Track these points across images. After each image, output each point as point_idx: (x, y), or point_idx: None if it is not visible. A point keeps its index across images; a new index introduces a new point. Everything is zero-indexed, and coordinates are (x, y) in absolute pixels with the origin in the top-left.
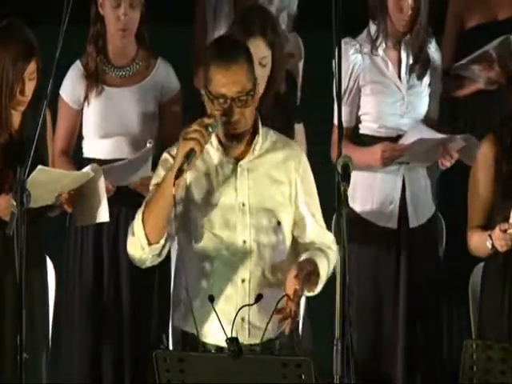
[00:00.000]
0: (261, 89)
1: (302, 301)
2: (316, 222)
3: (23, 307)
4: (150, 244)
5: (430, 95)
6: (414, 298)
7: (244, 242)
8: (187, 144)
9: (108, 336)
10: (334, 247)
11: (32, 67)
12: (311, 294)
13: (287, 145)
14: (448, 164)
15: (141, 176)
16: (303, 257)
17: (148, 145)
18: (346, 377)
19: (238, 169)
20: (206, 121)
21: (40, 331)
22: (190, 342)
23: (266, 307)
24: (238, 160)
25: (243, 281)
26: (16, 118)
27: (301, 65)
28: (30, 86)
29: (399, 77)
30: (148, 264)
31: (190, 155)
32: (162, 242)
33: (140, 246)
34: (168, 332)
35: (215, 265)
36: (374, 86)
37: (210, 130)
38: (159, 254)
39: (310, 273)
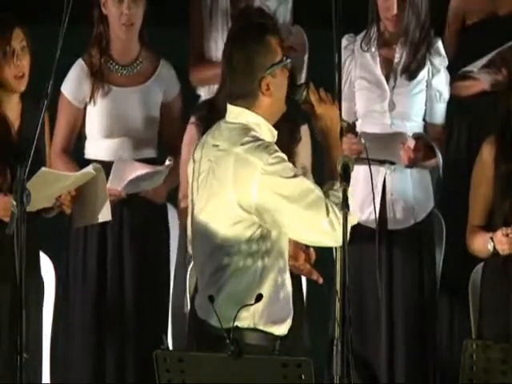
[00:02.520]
0: None
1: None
2: None
3: (23, 307)
4: None
5: (431, 98)
6: (397, 300)
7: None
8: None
9: (111, 336)
10: None
11: (18, 34)
12: None
13: None
14: (406, 162)
15: (152, 186)
16: None
17: (167, 162)
18: (345, 377)
19: None
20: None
21: (33, 331)
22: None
23: None
24: None
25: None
26: (15, 119)
27: (305, 58)
28: (26, 58)
29: (388, 74)
30: None
31: None
32: None
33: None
34: (167, 332)
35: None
36: (361, 81)
37: None
38: None
39: None
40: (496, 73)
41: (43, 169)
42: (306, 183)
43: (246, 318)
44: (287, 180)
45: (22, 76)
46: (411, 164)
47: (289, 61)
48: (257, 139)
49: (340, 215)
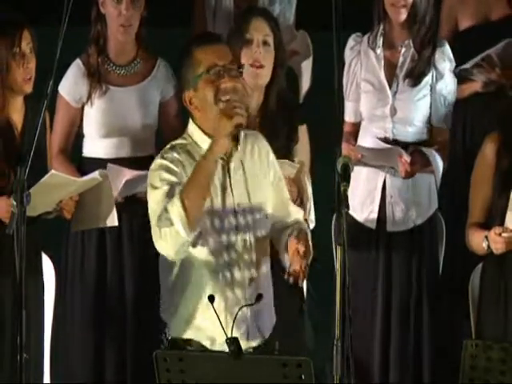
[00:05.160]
0: (268, 71)
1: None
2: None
3: (23, 307)
4: (189, 228)
5: (436, 102)
6: (395, 301)
7: (244, 241)
8: (237, 118)
9: (111, 336)
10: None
11: (26, 36)
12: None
13: (250, 133)
14: (402, 174)
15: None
16: (290, 231)
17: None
18: (345, 377)
19: (231, 167)
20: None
21: (34, 331)
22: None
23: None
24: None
25: (251, 280)
26: (19, 121)
27: (309, 63)
28: (33, 60)
29: (391, 79)
30: (182, 256)
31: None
32: (198, 228)
33: (177, 234)
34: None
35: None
36: (366, 84)
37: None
38: (193, 243)
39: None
40: (489, 71)
41: (53, 171)
42: (158, 196)
43: (189, 334)
44: (148, 187)
45: (30, 78)
46: (408, 177)
47: (207, 74)
48: (171, 147)
49: (168, 231)
